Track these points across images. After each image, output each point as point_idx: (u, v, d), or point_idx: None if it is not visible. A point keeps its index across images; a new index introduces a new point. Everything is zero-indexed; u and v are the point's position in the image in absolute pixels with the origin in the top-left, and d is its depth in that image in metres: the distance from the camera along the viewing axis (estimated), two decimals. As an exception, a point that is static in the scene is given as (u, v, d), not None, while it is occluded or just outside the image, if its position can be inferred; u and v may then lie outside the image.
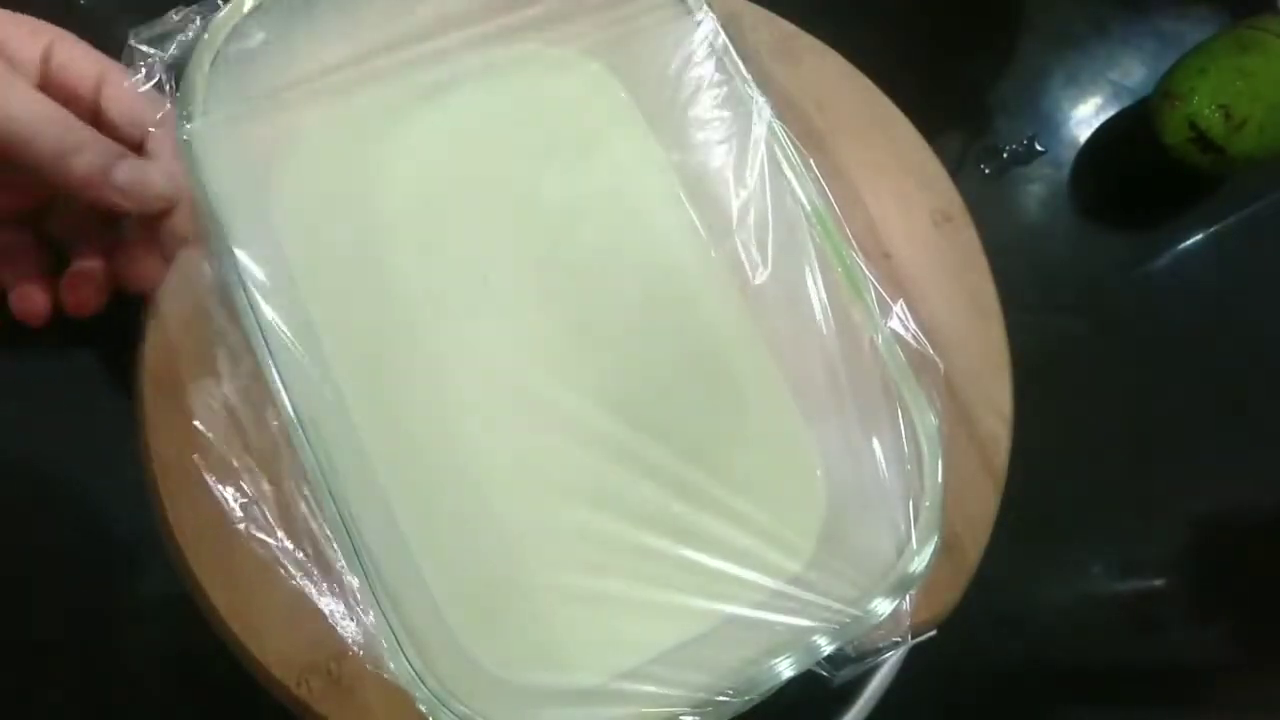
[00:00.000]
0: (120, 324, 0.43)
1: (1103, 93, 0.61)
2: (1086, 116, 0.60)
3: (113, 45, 0.37)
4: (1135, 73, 0.61)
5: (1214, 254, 0.59)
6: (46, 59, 0.33)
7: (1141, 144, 0.57)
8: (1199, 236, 0.59)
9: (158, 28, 0.36)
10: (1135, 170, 0.59)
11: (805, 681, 0.30)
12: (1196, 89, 0.54)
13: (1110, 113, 0.60)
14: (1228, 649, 0.53)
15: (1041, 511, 0.51)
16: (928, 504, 0.36)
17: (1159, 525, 0.54)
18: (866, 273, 0.39)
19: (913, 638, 0.42)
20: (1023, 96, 0.60)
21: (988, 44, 0.62)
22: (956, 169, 0.53)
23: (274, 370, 0.32)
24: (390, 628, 0.30)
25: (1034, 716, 0.51)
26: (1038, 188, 0.59)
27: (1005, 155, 0.59)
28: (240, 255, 0.33)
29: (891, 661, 0.42)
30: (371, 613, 0.31)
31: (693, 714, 0.30)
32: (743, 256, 0.42)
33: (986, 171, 0.58)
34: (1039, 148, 0.59)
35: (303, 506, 0.33)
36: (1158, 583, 0.53)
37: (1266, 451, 0.56)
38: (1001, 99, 0.60)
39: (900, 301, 0.41)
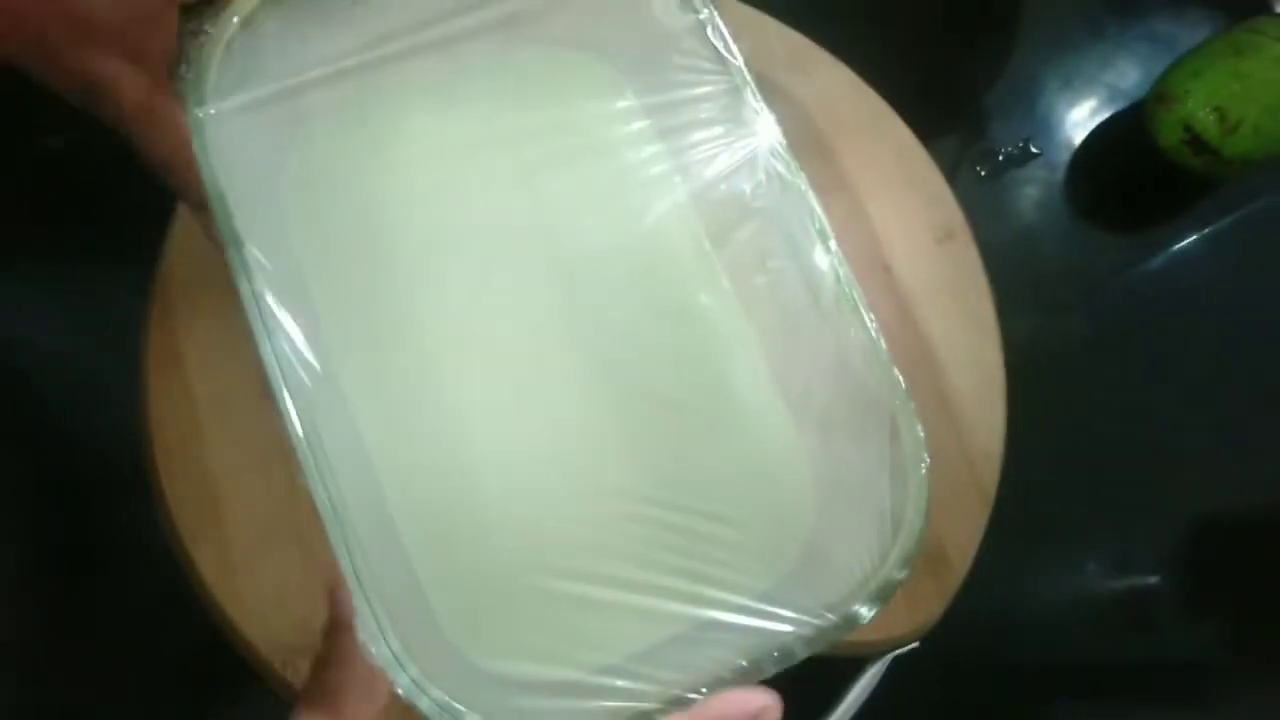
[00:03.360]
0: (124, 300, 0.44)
1: (1098, 95, 0.61)
2: (1082, 119, 0.60)
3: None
4: (1130, 75, 0.61)
5: (1208, 255, 0.59)
6: None
7: (1136, 146, 0.57)
8: (1193, 238, 0.59)
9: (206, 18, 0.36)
10: (1130, 172, 0.59)
11: (783, 687, 0.31)
12: (1191, 91, 0.54)
13: (1105, 115, 0.60)
14: (1222, 647, 0.54)
15: (1037, 511, 0.51)
16: (910, 515, 0.36)
17: (1154, 524, 0.54)
18: (860, 290, 0.39)
19: (895, 649, 0.42)
20: (1018, 99, 0.60)
21: (984, 47, 0.62)
22: (953, 172, 0.54)
23: (271, 354, 0.33)
24: (373, 613, 0.30)
25: (1030, 714, 0.52)
26: (1033, 190, 0.59)
27: (1001, 158, 0.59)
28: (246, 242, 0.34)
29: (871, 671, 0.42)
30: (356, 596, 0.31)
31: (666, 711, 0.31)
32: (741, 265, 0.43)
33: (982, 174, 0.58)
34: (1034, 150, 0.59)
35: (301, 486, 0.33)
36: (1153, 581, 0.53)
37: (1260, 451, 0.56)
38: (997, 102, 0.60)
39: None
